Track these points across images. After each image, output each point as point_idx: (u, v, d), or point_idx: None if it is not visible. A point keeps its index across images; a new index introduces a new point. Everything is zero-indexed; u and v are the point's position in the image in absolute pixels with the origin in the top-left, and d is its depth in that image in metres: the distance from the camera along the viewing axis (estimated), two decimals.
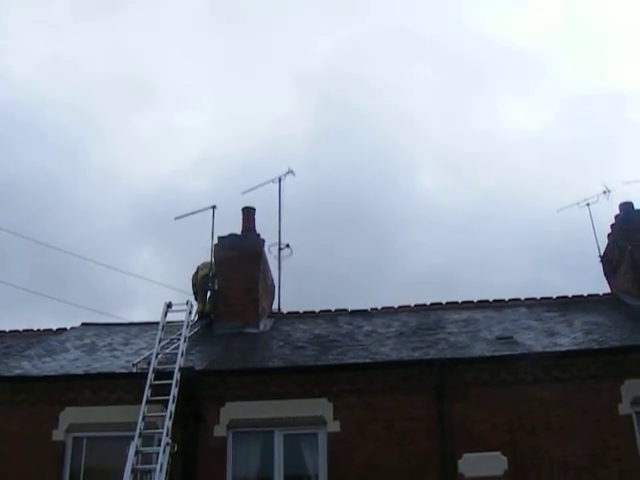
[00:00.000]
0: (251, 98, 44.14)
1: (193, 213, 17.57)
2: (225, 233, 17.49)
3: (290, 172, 19.33)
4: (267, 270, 17.92)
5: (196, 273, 17.55)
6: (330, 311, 17.66)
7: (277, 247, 18.53)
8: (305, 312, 17.74)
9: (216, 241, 17.39)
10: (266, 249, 17.77)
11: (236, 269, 16.83)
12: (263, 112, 44.05)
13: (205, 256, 17.62)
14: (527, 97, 46.14)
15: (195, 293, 17.55)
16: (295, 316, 17.65)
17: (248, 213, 17.83)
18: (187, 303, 14.39)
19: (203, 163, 40.53)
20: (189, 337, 14.00)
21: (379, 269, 34.45)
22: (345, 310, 17.66)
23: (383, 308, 17.54)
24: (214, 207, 17.62)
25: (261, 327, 16.59)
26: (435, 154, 42.15)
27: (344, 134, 38.89)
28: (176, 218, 17.56)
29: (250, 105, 44.49)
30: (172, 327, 14.11)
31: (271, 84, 44.30)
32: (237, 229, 17.68)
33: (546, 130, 42.02)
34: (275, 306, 18.38)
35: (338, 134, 39.17)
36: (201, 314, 17.21)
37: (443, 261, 35.11)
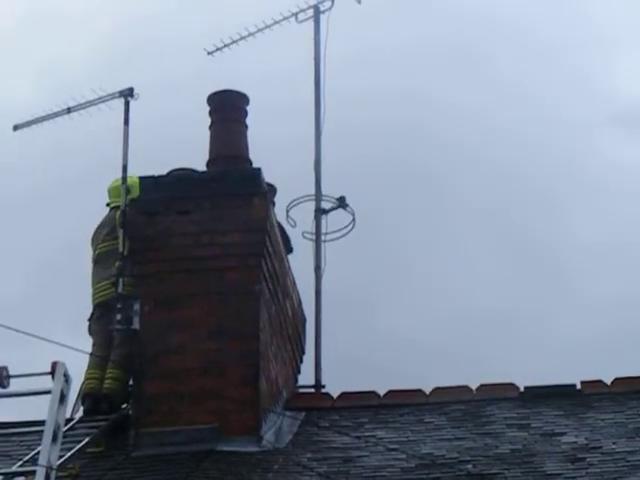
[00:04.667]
0: None
1: (68, 112, 8.42)
2: (161, 168, 7.77)
3: None
4: (285, 273, 8.35)
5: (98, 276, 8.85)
6: (467, 389, 8.45)
7: (315, 205, 9.05)
8: (394, 392, 8.40)
9: (137, 191, 8.07)
10: (279, 211, 8.52)
11: (192, 272, 7.67)
12: None
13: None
14: None
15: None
16: (364, 404, 8.41)
17: (227, 110, 8.11)
18: (54, 370, 7.02)
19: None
20: (60, 466, 6.75)
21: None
22: (510, 387, 8.42)
23: (619, 380, 8.16)
24: (129, 94, 8.31)
25: (268, 436, 7.67)
26: None
27: None
28: (16, 128, 9.11)
29: None
30: (13, 443, 7.66)
31: None
32: (196, 160, 8.06)
33: None
34: (307, 376, 8.86)
35: None
36: (94, 401, 8.53)
37: None
